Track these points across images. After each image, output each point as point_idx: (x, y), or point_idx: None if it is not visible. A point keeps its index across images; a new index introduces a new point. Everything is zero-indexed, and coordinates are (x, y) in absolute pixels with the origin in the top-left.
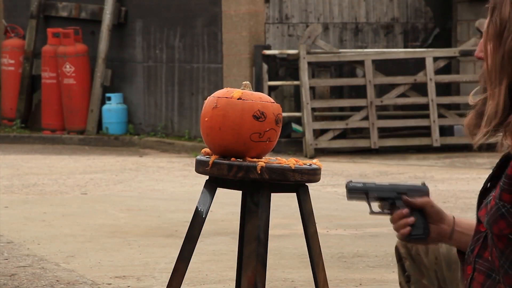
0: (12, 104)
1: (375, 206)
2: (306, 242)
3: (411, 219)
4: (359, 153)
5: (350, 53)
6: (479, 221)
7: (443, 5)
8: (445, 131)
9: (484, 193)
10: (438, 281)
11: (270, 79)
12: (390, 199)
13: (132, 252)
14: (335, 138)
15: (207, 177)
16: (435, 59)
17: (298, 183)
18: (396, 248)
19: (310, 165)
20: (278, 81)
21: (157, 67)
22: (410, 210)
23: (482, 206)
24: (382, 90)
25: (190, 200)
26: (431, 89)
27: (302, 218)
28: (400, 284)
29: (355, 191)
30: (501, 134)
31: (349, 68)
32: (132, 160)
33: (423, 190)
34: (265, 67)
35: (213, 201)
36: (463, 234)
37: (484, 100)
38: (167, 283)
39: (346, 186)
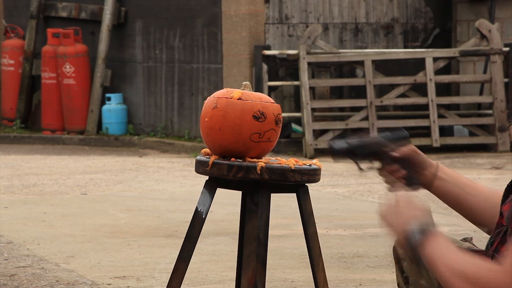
0: (12, 104)
1: (363, 163)
2: (306, 242)
3: (402, 173)
4: None
5: (350, 54)
6: (501, 214)
7: (443, 5)
8: (445, 131)
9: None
10: (439, 282)
11: (270, 80)
12: (376, 153)
13: (132, 252)
14: None
15: (207, 177)
16: (435, 59)
17: (298, 184)
18: (394, 249)
19: (310, 165)
20: (278, 81)
21: (157, 67)
22: (397, 162)
23: (507, 201)
24: (382, 90)
25: (190, 200)
26: (431, 89)
27: (302, 219)
28: (398, 285)
29: (340, 152)
30: None
31: (349, 68)
32: (132, 160)
33: (404, 137)
34: (265, 67)
35: (213, 201)
36: (446, 182)
37: None
38: (167, 283)
39: (331, 147)
